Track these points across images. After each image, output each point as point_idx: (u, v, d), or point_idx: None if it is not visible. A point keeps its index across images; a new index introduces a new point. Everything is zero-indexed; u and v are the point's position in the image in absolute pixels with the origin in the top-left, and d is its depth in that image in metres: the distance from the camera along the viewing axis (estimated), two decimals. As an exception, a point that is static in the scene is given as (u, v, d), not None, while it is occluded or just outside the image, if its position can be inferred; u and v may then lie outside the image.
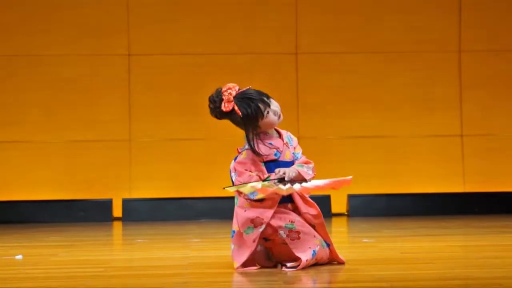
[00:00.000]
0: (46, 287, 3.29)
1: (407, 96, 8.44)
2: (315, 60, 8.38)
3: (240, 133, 3.83)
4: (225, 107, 3.73)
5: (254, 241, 3.64)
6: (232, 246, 3.70)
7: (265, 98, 3.73)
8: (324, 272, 3.53)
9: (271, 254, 3.73)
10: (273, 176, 3.66)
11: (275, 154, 3.75)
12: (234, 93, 3.72)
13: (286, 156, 3.78)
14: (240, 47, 8.38)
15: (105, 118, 8.26)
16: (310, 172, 3.77)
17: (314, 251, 3.63)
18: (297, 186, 3.63)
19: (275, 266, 3.71)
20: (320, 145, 8.32)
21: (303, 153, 3.88)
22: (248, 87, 3.77)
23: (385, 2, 8.47)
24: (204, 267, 3.82)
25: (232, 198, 3.85)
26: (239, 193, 3.70)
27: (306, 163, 3.79)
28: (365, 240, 5.27)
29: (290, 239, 3.63)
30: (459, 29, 8.47)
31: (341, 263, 3.78)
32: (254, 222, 3.64)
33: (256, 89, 3.79)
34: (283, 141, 3.81)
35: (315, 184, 3.66)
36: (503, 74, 8.49)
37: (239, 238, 3.67)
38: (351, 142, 8.40)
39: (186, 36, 8.36)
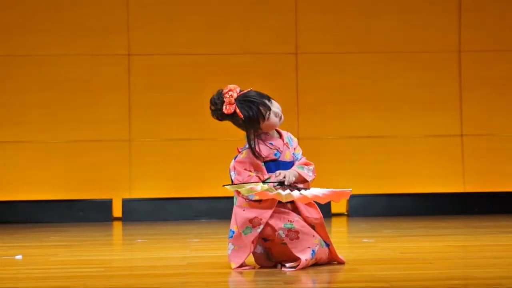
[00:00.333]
0: (46, 287, 3.29)
1: (407, 96, 8.44)
2: (315, 60, 8.38)
3: (241, 133, 3.83)
4: (227, 109, 3.73)
5: (252, 242, 3.64)
6: (231, 247, 3.69)
7: (266, 101, 3.73)
8: (324, 272, 3.53)
9: (270, 254, 3.73)
10: (272, 178, 3.66)
11: (275, 154, 3.75)
12: (235, 95, 3.71)
13: (286, 156, 3.78)
14: (240, 47, 8.38)
15: (105, 118, 8.26)
16: (311, 174, 3.77)
17: (313, 251, 3.63)
18: (296, 193, 3.62)
19: (275, 266, 3.71)
20: (320, 145, 8.32)
21: (303, 154, 3.88)
22: (249, 89, 3.77)
23: (385, 2, 8.47)
24: (204, 267, 3.82)
25: (232, 198, 3.85)
26: (238, 192, 3.70)
27: (306, 164, 3.80)
28: (365, 240, 5.27)
29: (289, 239, 3.63)
30: (459, 29, 8.47)
31: (341, 263, 3.78)
32: (252, 223, 3.64)
33: (257, 90, 3.79)
34: (283, 141, 3.81)
35: (314, 193, 3.65)
36: (503, 74, 8.49)
37: (238, 238, 3.67)
38: (351, 142, 8.40)
39: (186, 36, 8.36)
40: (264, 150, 3.73)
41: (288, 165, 3.75)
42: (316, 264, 3.69)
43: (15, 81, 8.26)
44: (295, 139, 3.90)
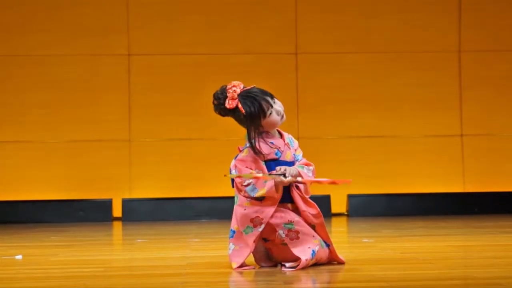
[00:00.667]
0: (46, 287, 3.29)
1: (407, 96, 8.44)
2: (315, 60, 8.38)
3: (241, 133, 3.83)
4: (229, 104, 3.72)
5: (254, 241, 3.63)
6: (232, 246, 3.68)
7: (268, 98, 3.73)
8: (324, 272, 3.53)
9: (270, 254, 3.73)
10: (274, 173, 3.66)
11: (276, 154, 3.76)
12: (238, 90, 3.72)
13: (287, 157, 3.78)
14: (240, 47, 8.38)
15: (105, 118, 8.27)
16: (310, 174, 3.79)
17: (313, 251, 3.63)
18: (298, 179, 3.64)
19: (275, 266, 3.71)
20: (320, 145, 8.32)
21: (303, 155, 3.88)
22: (252, 86, 3.78)
23: (385, 2, 8.47)
24: (204, 267, 3.82)
25: (232, 198, 3.85)
26: (239, 190, 3.70)
27: (307, 165, 3.81)
28: (365, 240, 5.26)
29: (290, 238, 3.63)
30: (459, 29, 8.47)
31: (341, 263, 3.77)
32: (253, 222, 3.64)
33: (261, 88, 3.79)
34: (284, 141, 3.81)
35: (316, 179, 3.69)
36: (503, 74, 8.50)
37: (239, 238, 3.67)
38: (351, 142, 8.40)
39: (186, 36, 8.37)
40: (264, 148, 3.73)
41: (289, 165, 3.75)
42: (316, 264, 3.69)
43: (15, 81, 8.26)
44: (296, 142, 3.91)
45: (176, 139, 8.33)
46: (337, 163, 8.32)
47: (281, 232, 3.64)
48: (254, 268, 3.66)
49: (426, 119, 8.44)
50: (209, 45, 8.38)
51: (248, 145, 3.74)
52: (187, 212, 8.12)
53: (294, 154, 3.82)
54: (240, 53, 8.35)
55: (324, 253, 3.70)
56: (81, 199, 8.16)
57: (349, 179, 3.73)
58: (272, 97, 3.76)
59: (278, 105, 3.77)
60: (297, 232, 3.64)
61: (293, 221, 3.66)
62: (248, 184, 3.65)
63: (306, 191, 3.76)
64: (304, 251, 3.60)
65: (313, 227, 3.72)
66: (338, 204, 8.25)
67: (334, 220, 7.73)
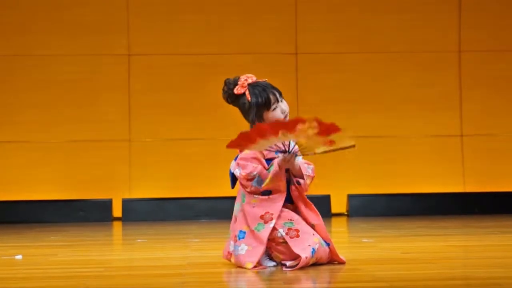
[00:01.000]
0: (46, 287, 3.29)
1: (407, 96, 8.44)
2: (315, 60, 8.38)
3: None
4: (237, 90, 3.76)
5: (268, 238, 3.64)
6: (245, 247, 3.67)
7: (277, 93, 3.78)
8: (324, 272, 3.53)
9: (270, 253, 3.73)
10: (274, 148, 3.66)
11: (276, 154, 3.78)
12: (250, 81, 3.78)
13: (286, 157, 3.81)
14: (240, 47, 8.38)
15: (105, 118, 8.27)
16: (310, 171, 3.82)
17: (313, 249, 3.63)
18: (299, 157, 3.67)
19: (275, 266, 3.71)
20: (320, 145, 8.30)
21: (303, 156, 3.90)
22: (265, 79, 3.82)
23: (385, 2, 8.47)
24: (204, 267, 3.82)
25: (232, 198, 3.85)
26: (244, 187, 3.72)
27: (306, 163, 3.85)
28: (365, 240, 5.26)
29: (290, 237, 3.64)
30: (459, 29, 8.47)
31: (341, 263, 3.78)
32: (264, 218, 3.66)
33: (272, 84, 3.84)
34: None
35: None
36: (503, 74, 8.50)
37: (251, 237, 3.66)
38: (351, 142, 8.38)
39: (186, 36, 8.37)
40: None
41: (287, 165, 3.79)
42: (316, 264, 3.69)
43: (15, 81, 8.26)
44: (297, 146, 3.92)
45: (176, 139, 8.34)
46: (337, 163, 8.32)
47: (281, 230, 3.65)
48: (267, 267, 3.66)
49: (426, 119, 8.44)
50: (209, 45, 8.38)
51: (248, 142, 3.76)
52: (187, 212, 8.12)
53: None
54: (240, 53, 8.35)
55: (324, 252, 3.71)
56: (81, 199, 8.16)
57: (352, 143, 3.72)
58: (280, 94, 3.80)
59: (284, 104, 3.81)
60: (297, 230, 3.65)
61: (293, 220, 3.68)
62: (253, 178, 3.67)
63: (305, 185, 3.79)
64: (304, 249, 3.61)
65: (312, 226, 3.73)
66: (338, 204, 8.25)
67: (334, 220, 7.73)
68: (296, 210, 3.76)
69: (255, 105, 3.73)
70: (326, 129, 3.56)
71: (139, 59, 8.34)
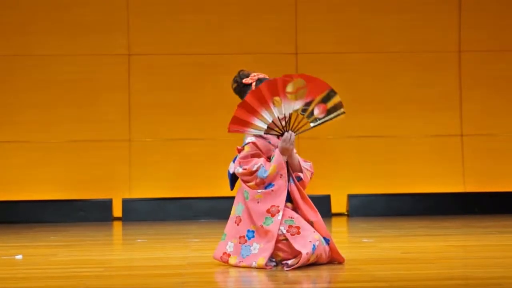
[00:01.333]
0: (46, 287, 3.29)
1: (407, 96, 8.44)
2: (315, 60, 8.38)
3: (240, 134, 3.84)
4: (246, 81, 3.92)
5: (277, 230, 3.67)
6: (257, 246, 3.69)
7: None
8: (324, 272, 3.53)
9: (271, 253, 3.73)
10: (273, 133, 3.76)
11: (274, 151, 3.83)
12: (260, 76, 3.94)
13: (284, 155, 3.84)
14: (240, 47, 8.38)
15: (105, 118, 8.27)
16: (308, 167, 3.87)
17: (314, 245, 3.65)
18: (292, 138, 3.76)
19: (276, 266, 3.71)
20: (319, 145, 8.32)
21: (303, 154, 3.93)
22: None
23: (385, 2, 8.47)
24: (204, 267, 3.82)
25: (231, 198, 3.86)
26: (247, 182, 3.75)
27: (304, 160, 3.90)
28: (365, 240, 5.27)
29: (290, 234, 3.67)
30: (459, 29, 8.47)
31: (341, 262, 3.79)
32: (270, 212, 3.70)
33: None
34: (281, 141, 3.86)
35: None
36: (503, 74, 8.49)
37: (261, 233, 3.69)
38: (351, 142, 8.40)
39: (186, 36, 8.36)
40: (263, 146, 3.80)
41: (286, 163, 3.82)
42: (316, 263, 3.69)
43: (15, 81, 8.26)
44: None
45: (176, 139, 8.33)
46: (337, 163, 8.32)
47: (282, 228, 3.68)
48: (277, 265, 3.68)
49: (426, 119, 8.43)
50: (209, 45, 8.37)
51: (247, 141, 3.81)
52: (187, 212, 8.12)
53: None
54: (240, 53, 8.35)
55: (324, 251, 3.72)
56: (81, 199, 8.16)
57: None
58: None
59: None
60: (298, 227, 3.68)
61: (294, 218, 3.72)
62: (258, 169, 3.71)
63: (305, 177, 3.81)
64: (305, 245, 3.63)
65: (311, 223, 3.75)
66: (338, 204, 8.25)
67: (334, 220, 7.73)
68: (296, 210, 3.78)
69: None
70: (315, 87, 3.73)
71: (139, 59, 8.34)
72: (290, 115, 3.75)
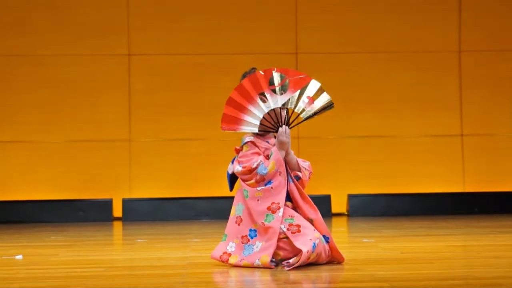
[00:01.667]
0: (46, 287, 3.29)
1: (407, 96, 8.44)
2: (315, 60, 8.38)
3: (239, 133, 3.85)
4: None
5: (279, 227, 3.68)
6: (260, 244, 3.70)
7: None
8: (324, 272, 3.53)
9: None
10: (269, 129, 3.80)
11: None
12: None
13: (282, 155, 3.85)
14: (240, 47, 8.38)
15: (105, 118, 8.27)
16: (306, 166, 3.88)
17: (314, 243, 3.65)
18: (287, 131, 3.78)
19: (276, 266, 3.72)
20: (320, 145, 8.32)
21: (303, 154, 3.93)
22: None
23: (385, 2, 8.47)
24: (204, 267, 3.82)
25: (231, 198, 3.86)
26: (246, 180, 3.75)
27: (302, 160, 3.93)
28: (365, 240, 5.27)
29: (291, 232, 3.68)
30: (459, 29, 8.47)
31: (341, 261, 3.79)
32: (271, 209, 3.71)
33: None
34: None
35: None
36: (503, 74, 8.49)
37: (263, 231, 3.70)
38: (351, 142, 8.40)
39: (186, 36, 8.37)
40: (262, 145, 3.82)
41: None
42: (316, 263, 3.70)
43: (15, 81, 8.26)
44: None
45: (176, 139, 8.33)
46: (337, 163, 8.32)
47: (282, 226, 3.69)
48: (277, 265, 3.69)
49: (426, 119, 8.44)
50: (209, 45, 8.38)
51: (245, 140, 3.82)
52: (187, 212, 8.12)
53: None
54: (240, 53, 8.35)
55: (324, 250, 3.72)
56: (81, 199, 8.16)
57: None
58: None
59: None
60: (298, 225, 3.69)
61: (294, 216, 3.73)
62: (257, 166, 3.73)
63: (304, 176, 3.82)
64: (306, 244, 3.63)
65: (311, 221, 3.76)
66: (338, 204, 8.25)
67: (334, 220, 7.73)
68: (296, 209, 3.79)
69: None
70: (297, 80, 3.75)
71: (139, 59, 8.34)
72: (281, 110, 3.77)
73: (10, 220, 7.93)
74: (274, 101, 3.76)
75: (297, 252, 3.63)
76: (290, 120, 3.80)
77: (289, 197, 3.80)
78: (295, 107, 3.77)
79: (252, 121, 3.75)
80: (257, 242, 3.72)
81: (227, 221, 3.84)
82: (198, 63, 8.35)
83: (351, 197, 8.25)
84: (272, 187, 3.73)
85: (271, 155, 3.76)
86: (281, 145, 3.76)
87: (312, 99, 3.79)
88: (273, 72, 3.79)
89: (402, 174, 8.39)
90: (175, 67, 8.35)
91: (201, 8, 8.40)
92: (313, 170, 3.94)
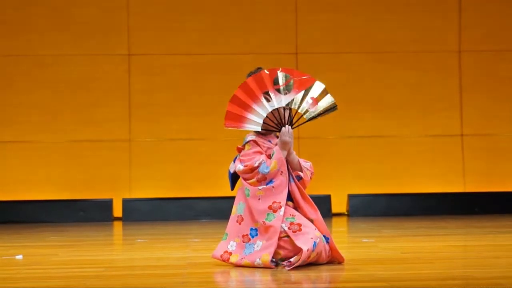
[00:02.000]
0: (46, 287, 3.29)
1: (407, 96, 8.44)
2: (315, 60, 8.38)
3: (240, 133, 3.85)
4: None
5: (279, 226, 3.68)
6: (260, 243, 3.70)
7: None
8: (324, 272, 3.53)
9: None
10: (271, 128, 3.81)
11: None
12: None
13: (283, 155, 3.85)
14: (240, 47, 8.38)
15: (105, 118, 8.27)
16: (308, 166, 3.88)
17: (315, 242, 3.66)
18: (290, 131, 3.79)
19: (276, 266, 3.72)
20: (320, 145, 8.32)
21: (302, 153, 3.94)
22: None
23: (385, 2, 8.48)
24: (204, 267, 3.82)
25: (232, 198, 3.86)
26: (247, 179, 3.75)
27: (304, 161, 3.93)
28: (365, 240, 5.27)
29: (292, 231, 3.68)
30: (459, 29, 8.47)
31: (341, 261, 3.79)
32: (272, 208, 3.71)
33: None
34: (280, 141, 3.88)
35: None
36: (503, 74, 8.50)
37: (264, 230, 3.70)
38: (351, 142, 8.40)
39: (186, 36, 8.37)
40: (264, 144, 3.84)
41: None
42: (316, 263, 3.70)
43: (15, 81, 8.26)
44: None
45: (176, 139, 8.34)
46: (337, 163, 8.33)
47: (283, 225, 3.69)
48: (277, 265, 3.69)
49: (426, 119, 8.44)
50: (209, 45, 8.38)
51: (248, 139, 3.83)
52: (187, 212, 8.12)
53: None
54: (240, 53, 8.35)
55: (324, 249, 3.73)
56: (81, 199, 8.16)
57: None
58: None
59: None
60: (299, 224, 3.70)
61: (295, 215, 3.74)
62: (259, 165, 3.74)
63: (305, 176, 3.82)
64: (306, 242, 3.64)
65: (311, 221, 3.76)
66: (338, 204, 8.26)
67: (334, 220, 7.73)
68: (296, 209, 3.79)
69: None
70: (301, 81, 3.77)
71: (139, 59, 8.34)
72: (284, 110, 3.77)
73: (10, 220, 7.93)
74: (278, 101, 3.75)
75: (298, 251, 3.64)
76: (294, 121, 3.80)
77: (290, 197, 3.80)
78: (298, 107, 3.77)
79: (255, 120, 3.75)
80: (258, 241, 3.72)
81: (228, 221, 3.84)
82: (198, 63, 8.35)
83: (351, 197, 8.25)
84: (273, 186, 3.74)
85: (273, 155, 3.77)
86: (284, 144, 3.77)
87: (316, 100, 3.79)
88: (278, 72, 3.79)
89: (402, 174, 8.39)
90: (175, 67, 8.35)
91: (201, 8, 8.41)
92: (314, 171, 3.94)
